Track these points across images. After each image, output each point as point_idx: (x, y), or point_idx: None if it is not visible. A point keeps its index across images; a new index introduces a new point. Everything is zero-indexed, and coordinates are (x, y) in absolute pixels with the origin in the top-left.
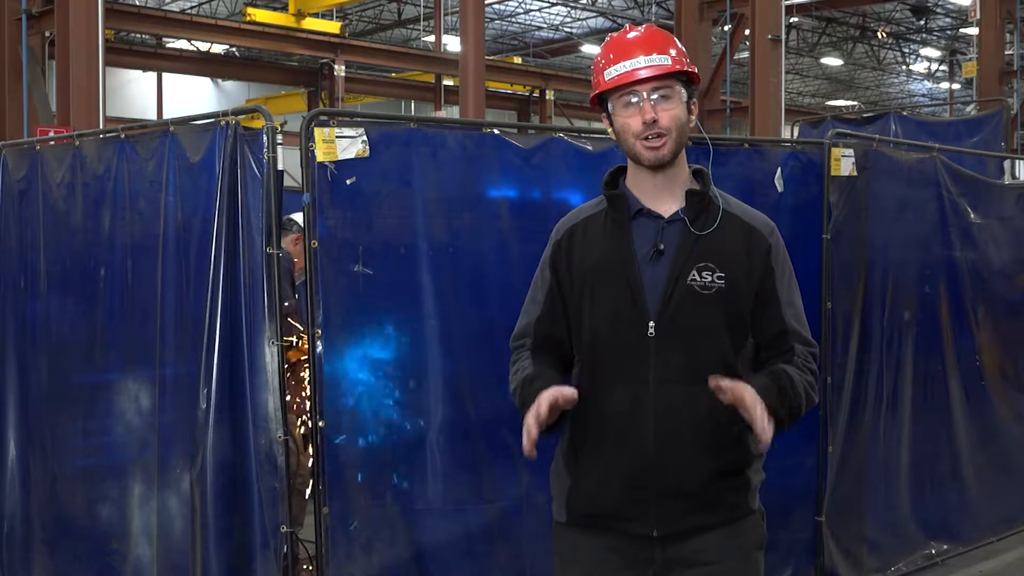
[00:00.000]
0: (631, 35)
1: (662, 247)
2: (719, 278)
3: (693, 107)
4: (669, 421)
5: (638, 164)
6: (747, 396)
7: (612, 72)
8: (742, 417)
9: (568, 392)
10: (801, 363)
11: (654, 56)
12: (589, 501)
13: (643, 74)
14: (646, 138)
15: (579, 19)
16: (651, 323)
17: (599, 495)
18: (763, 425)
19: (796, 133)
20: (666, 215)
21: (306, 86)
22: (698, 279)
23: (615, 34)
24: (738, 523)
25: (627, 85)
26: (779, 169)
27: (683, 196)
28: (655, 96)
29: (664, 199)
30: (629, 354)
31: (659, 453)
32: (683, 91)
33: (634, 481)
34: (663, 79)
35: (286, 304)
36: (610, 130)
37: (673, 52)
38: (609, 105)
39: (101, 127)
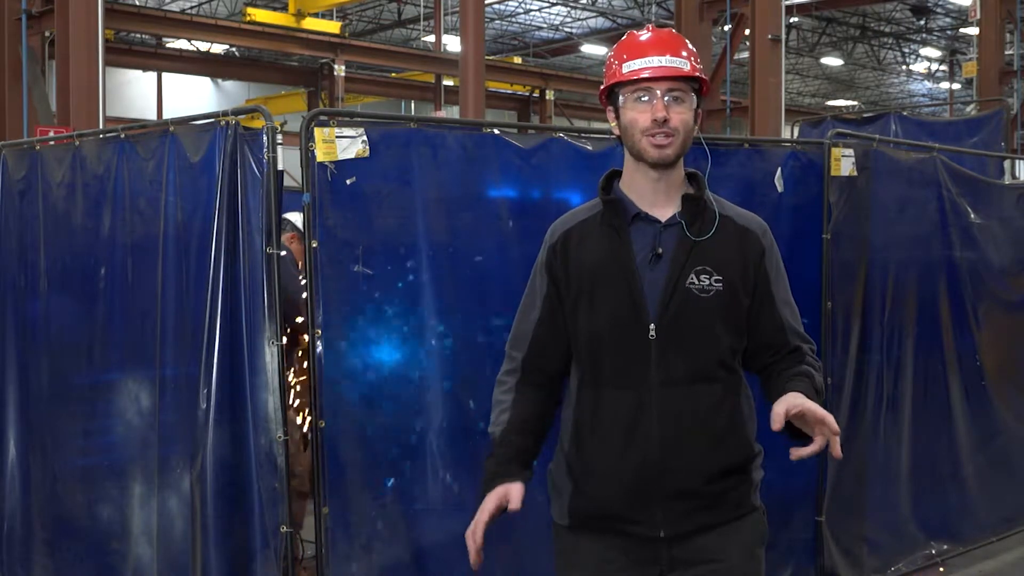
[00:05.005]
0: (652, 35)
1: (660, 251)
2: (716, 281)
3: (698, 115)
4: (672, 423)
5: (640, 161)
6: (816, 409)
7: (632, 65)
8: (742, 414)
9: (514, 500)
10: (811, 361)
11: (674, 58)
12: (593, 505)
13: (662, 72)
14: (653, 135)
15: (579, 19)
16: (652, 326)
17: (604, 499)
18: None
19: (796, 133)
20: (663, 219)
21: (306, 86)
22: (696, 282)
23: (636, 31)
24: (742, 520)
25: (644, 80)
26: (779, 169)
27: (679, 200)
28: (668, 97)
29: (660, 203)
30: (630, 357)
31: (663, 455)
32: (694, 97)
33: (640, 484)
34: (679, 82)
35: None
36: (613, 124)
37: (694, 59)
38: (620, 99)
39: (101, 127)
